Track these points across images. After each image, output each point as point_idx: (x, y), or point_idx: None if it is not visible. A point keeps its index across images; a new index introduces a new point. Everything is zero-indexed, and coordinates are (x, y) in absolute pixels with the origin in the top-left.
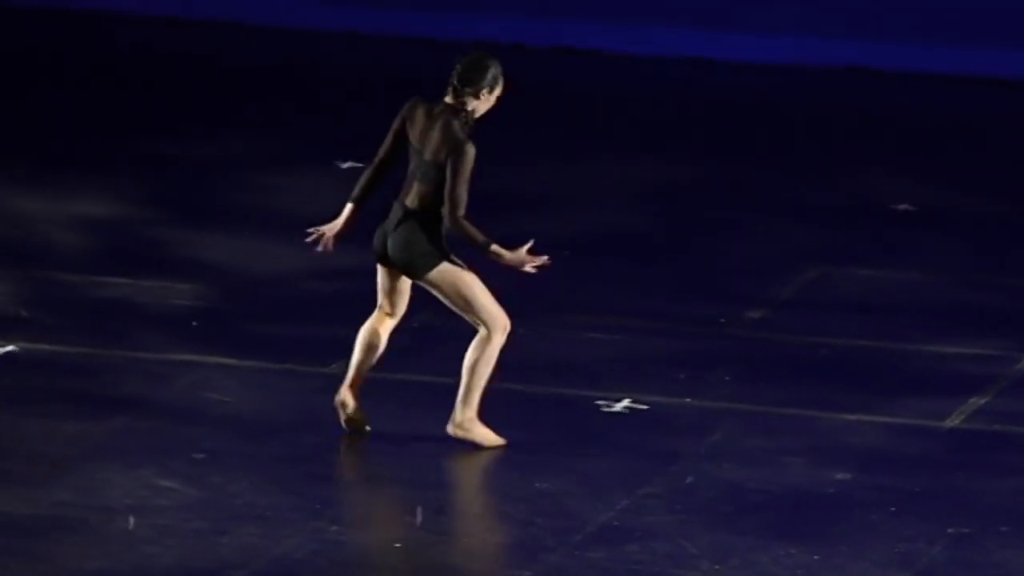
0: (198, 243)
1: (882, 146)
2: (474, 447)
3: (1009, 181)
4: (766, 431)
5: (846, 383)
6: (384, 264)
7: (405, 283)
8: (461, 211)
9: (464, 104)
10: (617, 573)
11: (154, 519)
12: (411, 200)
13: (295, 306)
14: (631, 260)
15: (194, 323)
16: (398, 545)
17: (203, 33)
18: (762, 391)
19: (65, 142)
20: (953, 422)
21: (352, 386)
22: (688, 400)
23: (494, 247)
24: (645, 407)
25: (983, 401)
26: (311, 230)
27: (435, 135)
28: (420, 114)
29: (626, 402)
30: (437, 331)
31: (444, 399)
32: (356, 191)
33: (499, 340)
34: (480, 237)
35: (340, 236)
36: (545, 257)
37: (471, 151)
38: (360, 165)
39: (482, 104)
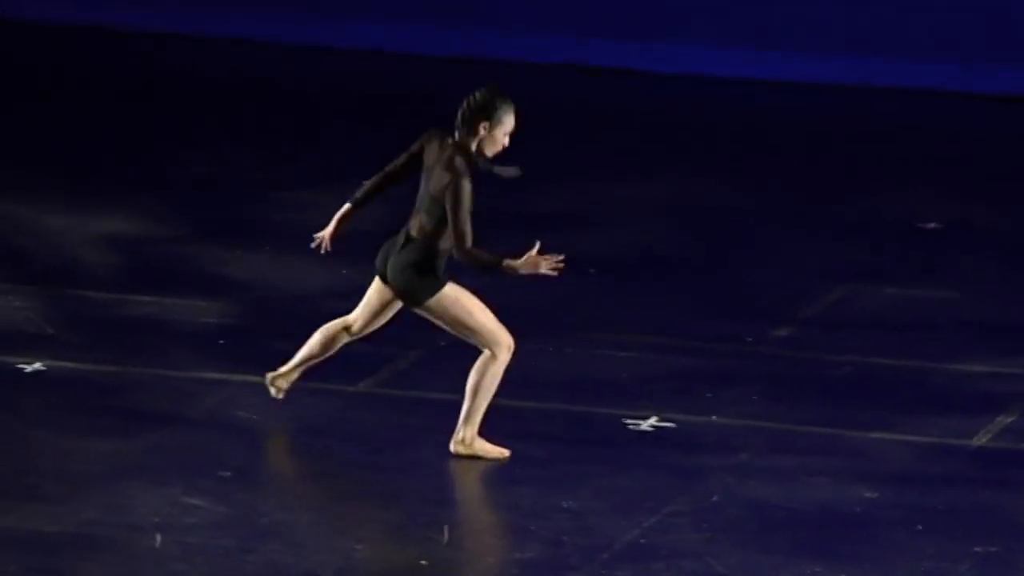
0: (225, 261)
1: (908, 163)
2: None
3: None
4: (792, 449)
5: (872, 401)
6: (383, 281)
7: (393, 308)
8: (467, 243)
9: (467, 140)
10: None
11: (181, 537)
12: (415, 228)
13: (321, 324)
14: (657, 278)
15: (221, 341)
16: (424, 563)
17: (229, 50)
18: (788, 409)
19: (91, 159)
20: (980, 440)
21: (290, 373)
22: (714, 418)
23: (506, 262)
24: (671, 425)
25: (1010, 419)
26: (316, 236)
27: (438, 169)
28: (435, 145)
29: (652, 420)
30: (461, 348)
31: None
32: (358, 194)
33: (503, 359)
34: (492, 259)
35: (335, 235)
36: (560, 256)
37: (466, 186)
38: None
39: (488, 140)
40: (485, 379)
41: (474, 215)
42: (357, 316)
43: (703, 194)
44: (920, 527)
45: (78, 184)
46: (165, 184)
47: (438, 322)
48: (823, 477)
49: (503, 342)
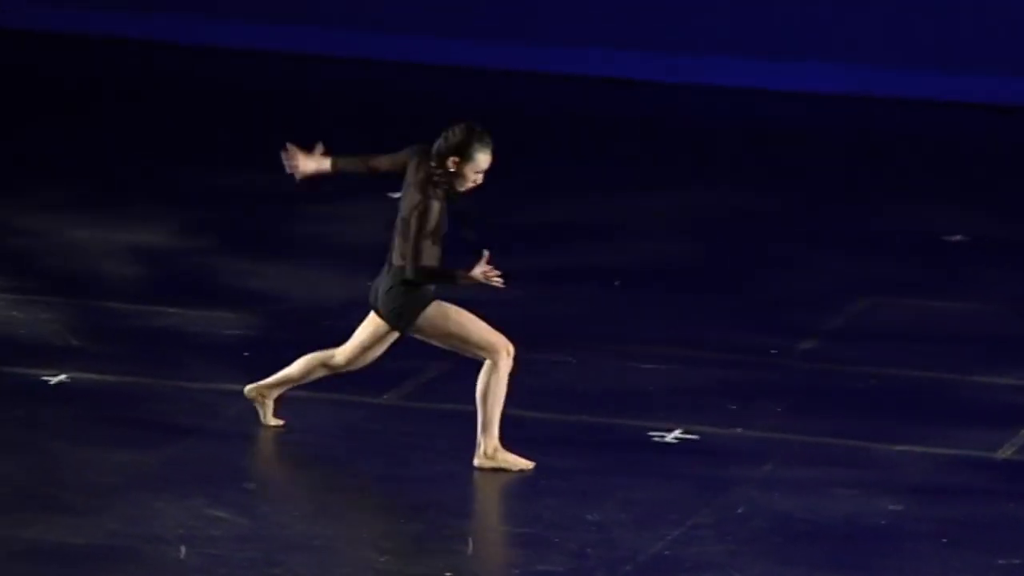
0: (248, 273)
1: (933, 176)
2: (504, 472)
3: None
4: (817, 461)
5: (897, 413)
6: (379, 315)
7: (387, 341)
8: (417, 263)
9: (437, 170)
10: None
11: (205, 549)
12: (396, 256)
13: (345, 336)
14: (682, 290)
15: (245, 353)
16: (448, 575)
17: (256, 62)
18: (813, 421)
19: (115, 171)
20: (1005, 453)
21: (272, 388)
22: (739, 430)
23: (461, 273)
24: (696, 437)
25: None
26: (292, 156)
27: (412, 191)
28: (415, 164)
29: (677, 432)
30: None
31: None
32: (341, 163)
33: (504, 364)
34: (447, 273)
35: (305, 171)
36: (497, 274)
37: (435, 206)
38: None
39: (458, 175)
40: (491, 388)
41: (443, 237)
42: (342, 351)
43: (729, 206)
44: (945, 539)
45: (103, 197)
46: (192, 197)
47: (432, 341)
48: (847, 489)
49: (499, 347)
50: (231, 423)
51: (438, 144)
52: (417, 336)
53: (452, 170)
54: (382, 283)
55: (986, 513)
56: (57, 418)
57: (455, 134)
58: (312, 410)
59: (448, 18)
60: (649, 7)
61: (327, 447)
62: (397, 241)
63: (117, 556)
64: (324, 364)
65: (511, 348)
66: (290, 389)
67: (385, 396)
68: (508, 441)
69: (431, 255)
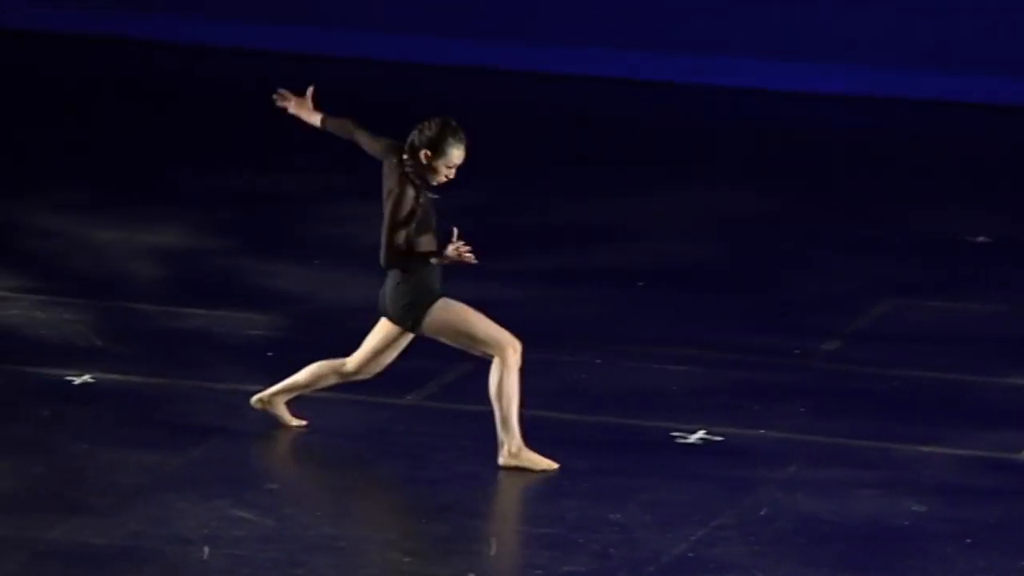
0: (272, 274)
1: (956, 177)
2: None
3: None
4: (840, 462)
5: (920, 415)
6: (389, 319)
7: (398, 345)
8: (390, 250)
9: (409, 163)
10: None
11: (230, 549)
12: (382, 258)
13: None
14: (705, 291)
15: (269, 353)
16: (471, 575)
17: (276, 64)
18: (836, 422)
19: (139, 171)
20: None
21: (277, 395)
22: (763, 431)
23: (434, 252)
24: (720, 438)
25: None
26: (284, 96)
27: (386, 188)
28: (390, 165)
29: (701, 433)
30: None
31: None
32: (331, 124)
33: (513, 361)
34: (420, 254)
35: (296, 114)
36: (468, 250)
37: (408, 191)
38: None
39: (430, 168)
40: (503, 385)
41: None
42: (353, 358)
43: (752, 208)
44: (969, 540)
45: (127, 197)
46: (216, 198)
47: (441, 338)
48: (871, 490)
49: (506, 344)
50: (255, 424)
51: (412, 137)
52: (427, 334)
53: (424, 163)
54: (387, 291)
55: (1010, 514)
56: (81, 418)
57: (430, 128)
58: (335, 411)
59: (448, 18)
60: (649, 7)
61: (350, 448)
62: (382, 241)
63: (141, 557)
64: (335, 372)
65: (518, 345)
66: (300, 394)
67: (408, 397)
68: (531, 441)
69: (428, 247)
